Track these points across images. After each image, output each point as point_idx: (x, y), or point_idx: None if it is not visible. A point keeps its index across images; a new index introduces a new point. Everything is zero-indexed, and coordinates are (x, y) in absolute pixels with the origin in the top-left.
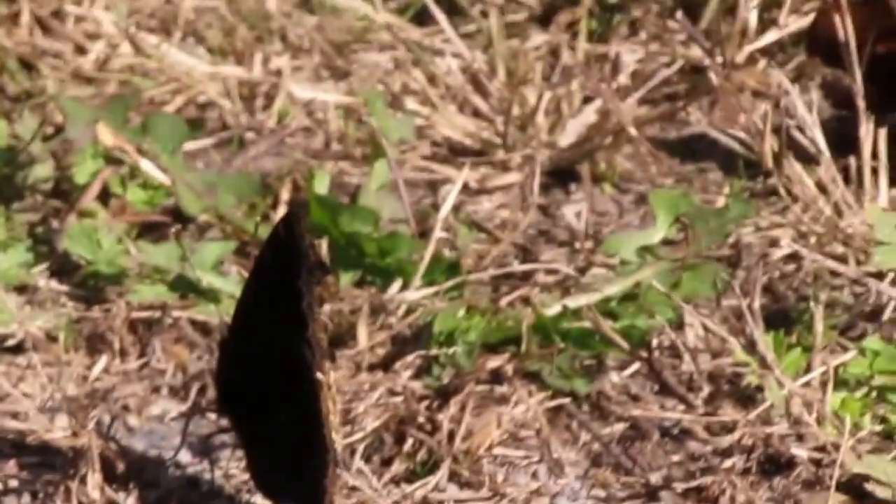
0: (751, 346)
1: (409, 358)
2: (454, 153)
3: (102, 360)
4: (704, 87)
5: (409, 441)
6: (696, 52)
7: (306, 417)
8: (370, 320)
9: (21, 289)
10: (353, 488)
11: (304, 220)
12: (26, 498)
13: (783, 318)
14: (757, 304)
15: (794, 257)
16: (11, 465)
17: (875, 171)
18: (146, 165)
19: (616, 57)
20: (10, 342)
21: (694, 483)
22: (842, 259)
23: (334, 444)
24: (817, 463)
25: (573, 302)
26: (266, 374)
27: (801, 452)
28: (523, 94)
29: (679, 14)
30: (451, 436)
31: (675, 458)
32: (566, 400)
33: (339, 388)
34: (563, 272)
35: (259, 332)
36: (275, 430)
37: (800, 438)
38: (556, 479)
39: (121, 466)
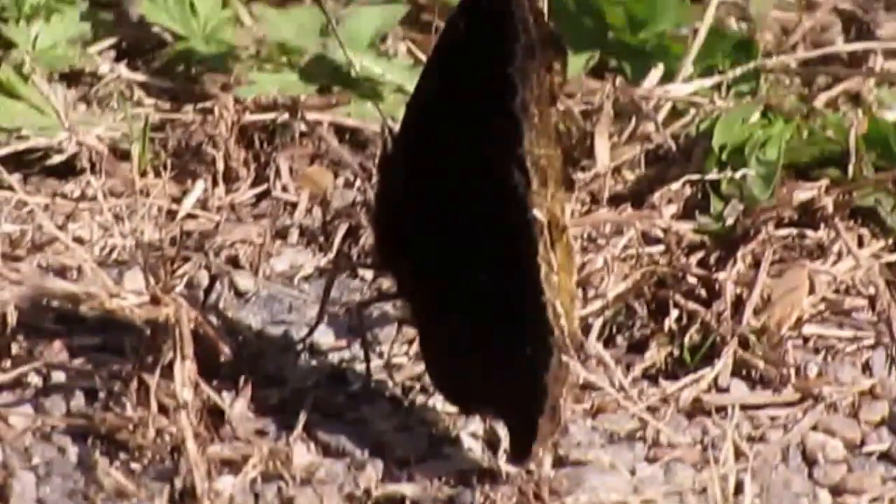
0: None
1: (674, 186)
2: None
3: (198, 188)
4: None
5: (673, 314)
6: None
7: (517, 278)
8: (615, 127)
9: (74, 77)
10: (588, 386)
11: None
12: (78, 398)
13: None
14: None
15: None
16: (57, 348)
17: None
18: None
19: None
20: (56, 160)
21: None
22: None
23: (561, 320)
24: None
25: None
26: (454, 210)
27: None
28: None
29: None
30: (738, 306)
31: None
32: None
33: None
34: None
35: (445, 145)
36: (467, 297)
37: None
38: None
39: (225, 351)
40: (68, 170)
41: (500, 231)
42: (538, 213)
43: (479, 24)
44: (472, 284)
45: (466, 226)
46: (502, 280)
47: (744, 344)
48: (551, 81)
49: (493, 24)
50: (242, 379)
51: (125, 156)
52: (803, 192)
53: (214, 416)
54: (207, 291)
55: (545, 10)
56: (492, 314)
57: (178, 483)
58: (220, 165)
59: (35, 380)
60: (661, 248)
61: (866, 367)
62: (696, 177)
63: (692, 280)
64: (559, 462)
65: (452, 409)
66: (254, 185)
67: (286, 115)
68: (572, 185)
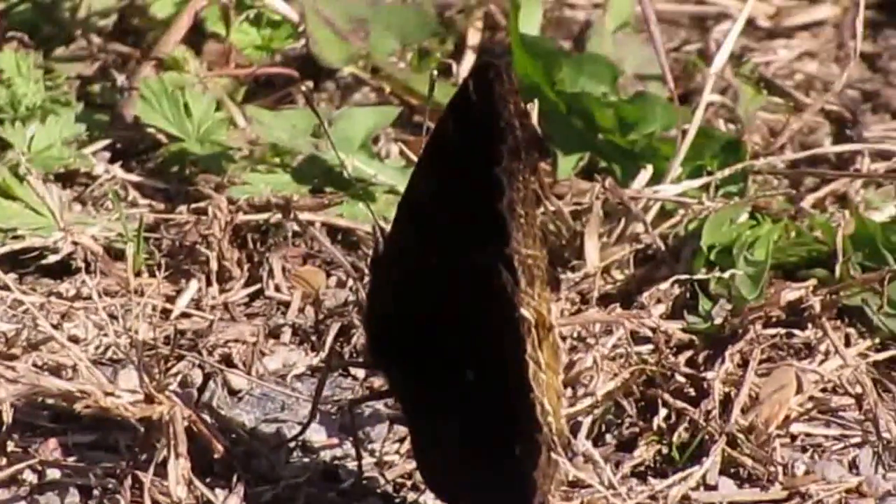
0: None
1: (663, 286)
2: None
3: (192, 288)
4: None
5: (662, 412)
6: None
7: (506, 376)
8: (604, 227)
9: (69, 178)
10: (578, 483)
11: (506, 76)
12: (73, 495)
13: None
14: None
15: None
16: (51, 446)
17: None
18: None
19: None
20: (52, 259)
21: None
22: None
23: (549, 418)
24: None
25: None
26: (443, 309)
27: None
28: None
29: None
30: (726, 404)
31: None
32: None
33: (559, 332)
34: None
35: (434, 245)
36: (456, 395)
37: None
38: (885, 471)
39: (219, 449)
40: (63, 269)
41: (489, 330)
42: (526, 312)
43: (467, 126)
44: (461, 383)
45: (456, 325)
46: (491, 378)
47: (732, 442)
48: (537, 183)
49: (480, 125)
50: (235, 476)
51: (120, 256)
52: (791, 292)
53: None
54: (201, 390)
55: (536, 112)
56: (481, 412)
57: None
58: (214, 265)
59: (30, 477)
60: (650, 347)
61: (853, 466)
62: (684, 277)
63: (681, 379)
64: None
65: None
66: (247, 284)
67: (279, 216)
68: (558, 285)
